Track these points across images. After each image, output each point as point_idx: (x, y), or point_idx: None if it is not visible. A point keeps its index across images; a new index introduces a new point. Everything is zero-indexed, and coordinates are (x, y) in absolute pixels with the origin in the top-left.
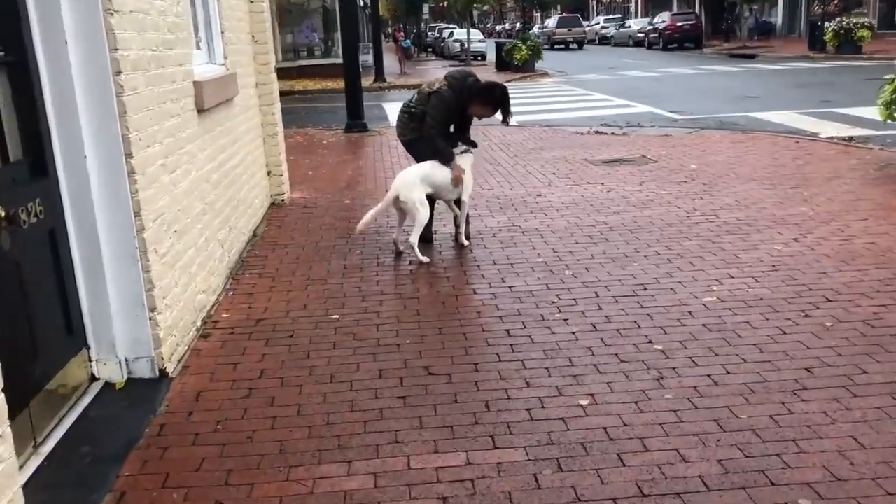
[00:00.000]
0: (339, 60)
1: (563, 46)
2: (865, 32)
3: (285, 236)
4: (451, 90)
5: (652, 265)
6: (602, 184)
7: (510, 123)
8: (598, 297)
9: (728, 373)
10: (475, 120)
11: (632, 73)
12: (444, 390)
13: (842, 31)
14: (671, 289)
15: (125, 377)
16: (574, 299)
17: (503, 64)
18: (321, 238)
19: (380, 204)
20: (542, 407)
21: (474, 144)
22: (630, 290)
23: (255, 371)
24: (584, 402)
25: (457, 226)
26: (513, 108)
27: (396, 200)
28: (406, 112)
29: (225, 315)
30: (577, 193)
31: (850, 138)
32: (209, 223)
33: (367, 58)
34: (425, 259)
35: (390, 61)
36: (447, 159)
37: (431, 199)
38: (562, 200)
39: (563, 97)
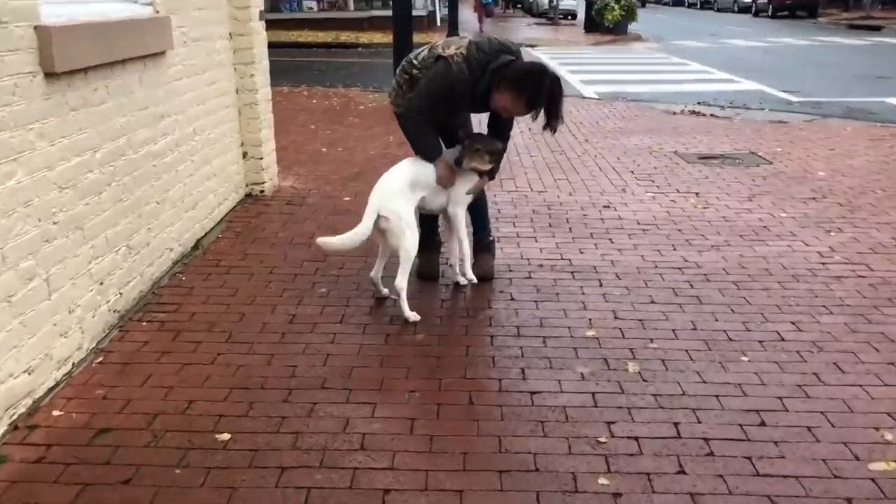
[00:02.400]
0: (417, 12)
1: None
2: None
3: (237, 252)
4: (466, 65)
5: (772, 364)
6: (696, 194)
7: (556, 131)
8: (678, 435)
9: None
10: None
11: (736, 41)
12: None
13: None
14: (809, 429)
15: None
16: (636, 438)
17: (592, 24)
18: (284, 258)
19: (357, 228)
20: None
21: (499, 152)
22: (736, 424)
23: None
24: None
25: (452, 265)
26: (593, 79)
27: (378, 219)
28: (406, 73)
29: (58, 412)
30: (661, 207)
31: None
32: (59, 254)
33: (445, 10)
34: (413, 316)
35: (470, 16)
36: (428, 155)
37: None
38: (637, 218)
39: (655, 66)
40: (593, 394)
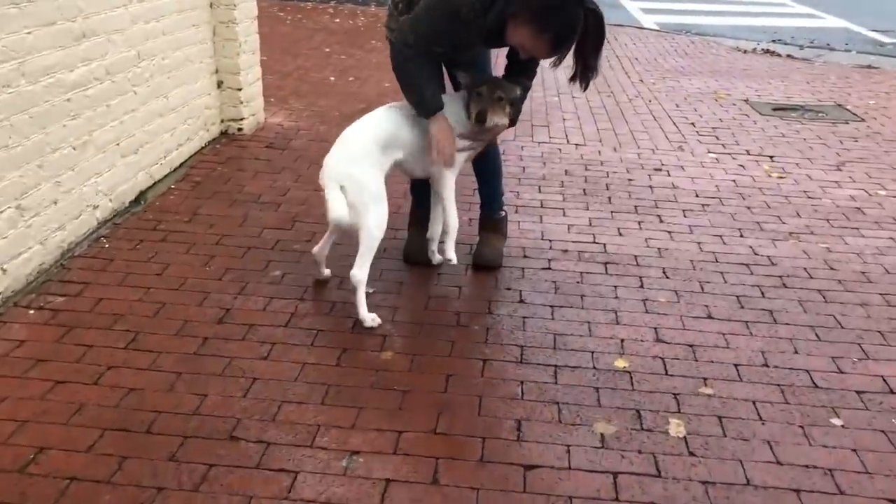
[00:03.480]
0: None
1: None
2: None
3: (185, 210)
4: None
5: (877, 435)
6: (770, 158)
7: (588, 87)
8: None
9: None
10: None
11: None
12: None
13: None
14: None
15: None
16: None
17: None
18: (242, 222)
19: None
20: None
21: (519, 100)
22: None
23: None
24: None
25: (430, 239)
26: (655, 6)
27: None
28: None
29: None
30: (726, 174)
31: None
32: None
33: None
34: (371, 320)
35: None
36: (423, 107)
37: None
38: (696, 188)
39: None
40: (615, 475)
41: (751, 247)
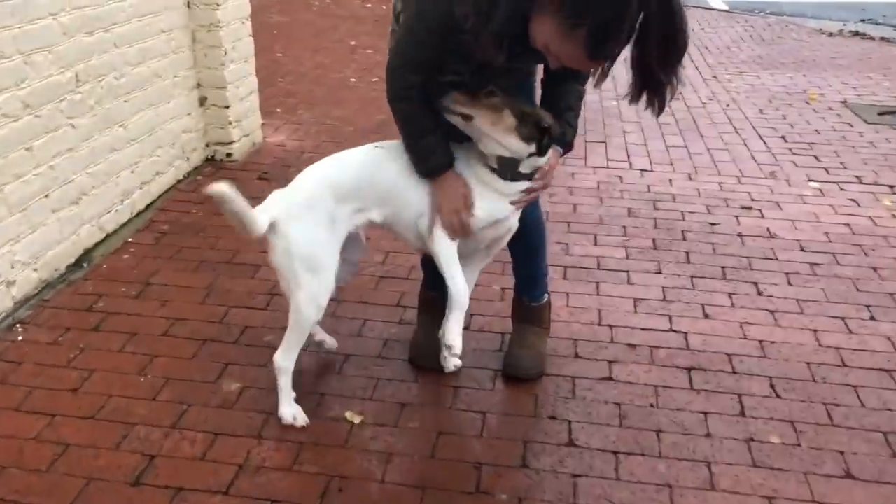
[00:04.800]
0: None
1: None
2: None
3: (137, 278)
4: None
5: None
6: (891, 189)
7: (664, 110)
8: None
9: None
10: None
11: None
12: None
13: None
14: None
15: None
16: None
17: None
18: (204, 298)
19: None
20: None
21: (542, 128)
22: None
23: None
24: None
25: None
26: None
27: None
28: (396, 11)
29: None
30: (835, 212)
31: None
32: None
33: None
34: (290, 417)
35: None
36: (425, 165)
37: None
38: (800, 237)
39: None
40: None
41: (889, 339)
